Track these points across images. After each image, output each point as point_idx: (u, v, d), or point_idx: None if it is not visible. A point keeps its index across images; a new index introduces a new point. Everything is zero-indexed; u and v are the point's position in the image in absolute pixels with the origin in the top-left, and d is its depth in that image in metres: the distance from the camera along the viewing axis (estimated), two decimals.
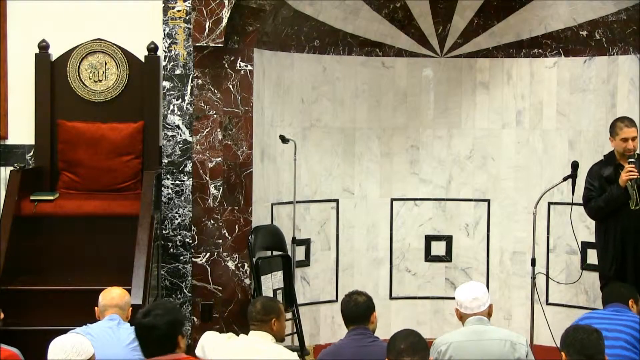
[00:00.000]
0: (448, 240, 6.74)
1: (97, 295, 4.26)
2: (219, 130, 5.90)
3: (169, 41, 5.94)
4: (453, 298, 4.16)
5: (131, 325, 3.29)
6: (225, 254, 5.92)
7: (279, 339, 3.91)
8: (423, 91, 6.69)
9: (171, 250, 5.97)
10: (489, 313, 3.98)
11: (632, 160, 5.30)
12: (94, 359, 3.44)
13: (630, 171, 5.25)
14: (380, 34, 6.50)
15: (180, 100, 5.96)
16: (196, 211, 5.92)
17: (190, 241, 5.94)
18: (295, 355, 3.86)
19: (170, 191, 5.96)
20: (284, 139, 6.05)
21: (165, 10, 5.94)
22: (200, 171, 5.90)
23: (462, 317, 3.97)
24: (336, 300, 6.53)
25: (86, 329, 4.01)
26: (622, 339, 3.98)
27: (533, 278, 5.70)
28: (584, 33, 6.27)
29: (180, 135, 5.97)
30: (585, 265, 6.30)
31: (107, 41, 5.99)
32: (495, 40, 6.53)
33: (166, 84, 5.95)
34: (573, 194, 5.69)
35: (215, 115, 5.90)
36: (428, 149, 6.72)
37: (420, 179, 6.73)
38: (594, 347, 3.35)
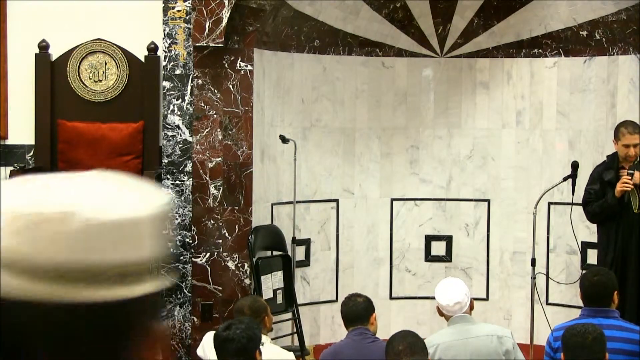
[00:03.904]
0: (448, 240, 6.74)
1: None
2: (219, 130, 5.90)
3: (169, 41, 5.94)
4: None
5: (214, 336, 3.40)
6: (225, 254, 5.92)
7: (269, 330, 3.97)
8: (423, 91, 6.69)
9: (171, 250, 5.97)
10: (471, 308, 3.97)
11: (631, 172, 5.31)
12: None
13: (626, 183, 5.28)
14: (380, 34, 6.50)
15: (180, 100, 5.96)
16: (196, 211, 5.92)
17: (190, 241, 5.94)
18: (292, 355, 3.86)
19: (170, 191, 5.96)
20: (284, 139, 6.05)
21: (165, 10, 5.94)
22: (200, 171, 5.90)
23: (445, 316, 3.98)
24: (336, 300, 6.53)
25: None
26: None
27: (533, 278, 5.70)
28: (584, 33, 6.27)
29: (180, 135, 5.97)
30: (585, 265, 6.30)
31: (107, 41, 5.99)
32: (495, 40, 6.54)
33: (166, 84, 5.95)
34: (573, 194, 5.69)
35: (215, 115, 5.90)
36: (428, 149, 6.72)
37: (420, 179, 6.73)
38: (589, 351, 3.33)
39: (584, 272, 4.60)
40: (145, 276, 0.87)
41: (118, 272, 0.85)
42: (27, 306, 0.83)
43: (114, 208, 0.85)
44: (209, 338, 4.01)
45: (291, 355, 3.86)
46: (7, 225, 0.83)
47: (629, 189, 5.29)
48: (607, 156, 5.64)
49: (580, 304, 6.36)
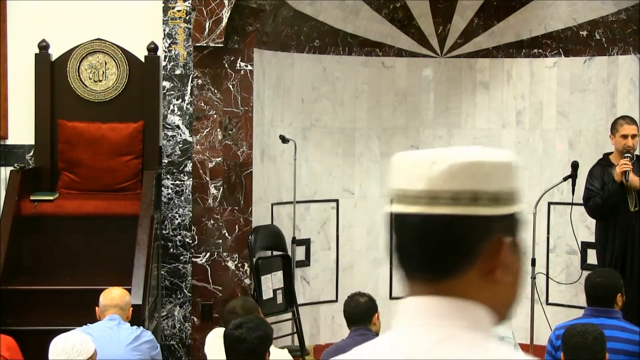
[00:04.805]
0: None
1: (97, 295, 4.26)
2: (219, 130, 5.90)
3: (169, 41, 5.94)
4: None
5: (224, 335, 3.29)
6: (225, 254, 5.92)
7: None
8: (423, 91, 6.69)
9: (171, 250, 5.97)
10: None
11: (628, 154, 5.34)
12: (95, 355, 3.44)
13: (624, 164, 5.30)
14: (380, 34, 6.50)
15: (180, 100, 5.96)
16: (196, 211, 5.92)
17: (190, 241, 5.94)
18: (288, 354, 3.86)
19: (170, 191, 5.96)
20: (284, 139, 6.05)
21: (165, 10, 5.94)
22: (200, 171, 5.90)
23: None
24: (336, 300, 6.53)
25: (86, 329, 4.01)
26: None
27: (533, 278, 5.70)
28: (584, 33, 6.27)
29: (180, 135, 5.97)
30: (585, 265, 6.30)
31: (107, 41, 5.99)
32: (495, 40, 6.54)
33: (166, 84, 5.95)
34: (573, 194, 5.69)
35: (215, 115, 5.90)
36: (428, 149, 6.71)
37: None
38: (590, 351, 3.34)
39: (589, 272, 4.61)
40: (512, 200, 1.24)
41: (497, 196, 1.22)
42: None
43: (496, 155, 1.25)
44: (210, 335, 4.01)
45: (287, 355, 3.86)
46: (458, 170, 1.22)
47: (629, 169, 5.29)
48: (604, 154, 5.66)
49: (580, 304, 6.39)
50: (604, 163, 5.60)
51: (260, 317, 3.47)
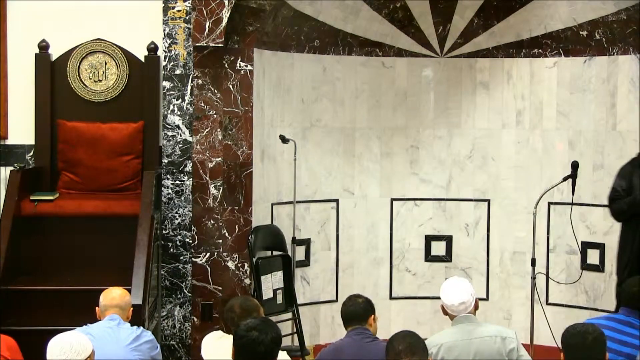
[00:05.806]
0: (448, 240, 6.74)
1: (97, 295, 4.26)
2: (219, 130, 5.90)
3: (169, 41, 5.94)
4: None
5: (234, 338, 3.26)
6: (225, 254, 5.92)
7: None
8: (423, 91, 6.69)
9: (171, 250, 5.97)
10: (475, 308, 3.96)
11: None
12: (93, 355, 3.44)
13: None
14: (380, 34, 6.51)
15: (180, 100, 5.96)
16: (196, 211, 5.92)
17: (190, 241, 5.94)
18: (286, 355, 3.86)
19: (170, 191, 5.97)
20: (284, 139, 6.06)
21: (165, 10, 5.94)
22: (200, 171, 5.90)
23: (449, 315, 3.97)
24: (336, 300, 6.53)
25: (86, 329, 4.01)
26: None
27: (533, 278, 5.70)
28: (584, 33, 6.27)
29: (180, 135, 5.97)
30: (585, 265, 6.31)
31: (107, 41, 5.99)
32: (495, 40, 6.54)
33: (166, 84, 5.96)
34: (573, 194, 5.69)
35: (215, 115, 5.90)
36: (428, 149, 6.72)
37: (420, 179, 6.73)
38: (589, 351, 3.34)
39: (630, 279, 4.58)
40: None
41: None
42: None
43: None
44: (206, 337, 4.01)
45: (285, 355, 3.85)
46: None
47: None
48: (638, 153, 5.60)
49: (580, 304, 6.41)
50: (635, 163, 5.54)
51: (266, 318, 3.46)
